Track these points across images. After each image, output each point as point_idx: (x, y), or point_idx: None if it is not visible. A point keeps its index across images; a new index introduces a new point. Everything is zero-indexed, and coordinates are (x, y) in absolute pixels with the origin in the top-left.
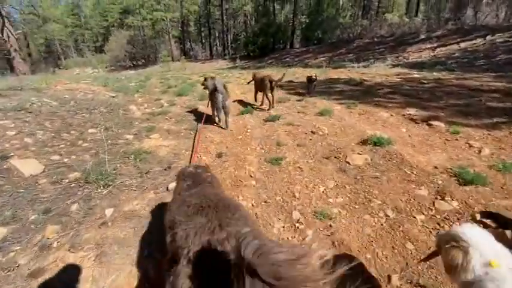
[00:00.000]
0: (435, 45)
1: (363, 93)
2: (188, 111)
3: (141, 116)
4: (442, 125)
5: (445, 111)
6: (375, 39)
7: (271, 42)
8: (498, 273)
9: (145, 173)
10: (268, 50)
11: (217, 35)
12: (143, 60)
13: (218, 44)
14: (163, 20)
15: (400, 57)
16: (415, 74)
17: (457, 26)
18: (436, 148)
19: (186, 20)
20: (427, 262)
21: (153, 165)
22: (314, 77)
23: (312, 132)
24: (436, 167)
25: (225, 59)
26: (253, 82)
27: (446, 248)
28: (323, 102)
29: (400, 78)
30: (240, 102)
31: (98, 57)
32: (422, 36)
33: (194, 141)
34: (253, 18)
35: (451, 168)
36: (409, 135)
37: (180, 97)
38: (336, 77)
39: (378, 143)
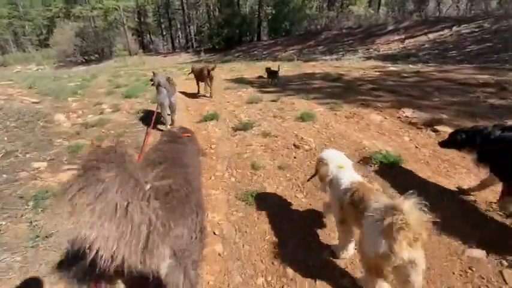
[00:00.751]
0: (403, 36)
1: (344, 90)
2: (135, 120)
3: (69, 129)
4: (450, 130)
5: (446, 112)
6: (343, 31)
7: (237, 34)
8: (343, 170)
9: (45, 238)
10: (235, 43)
11: (178, 26)
12: (97, 55)
13: (181, 36)
14: (116, 9)
15: (370, 50)
16: (391, 67)
17: (421, 17)
18: (458, 167)
19: (142, 11)
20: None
21: (62, 219)
22: (276, 70)
23: (295, 146)
24: (475, 201)
25: (189, 52)
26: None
27: (319, 167)
28: (302, 103)
29: (378, 71)
30: (203, 102)
31: (43, 52)
32: (390, 28)
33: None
34: (217, 9)
35: (495, 202)
36: (416, 146)
37: (128, 99)
38: (310, 71)
39: (385, 162)
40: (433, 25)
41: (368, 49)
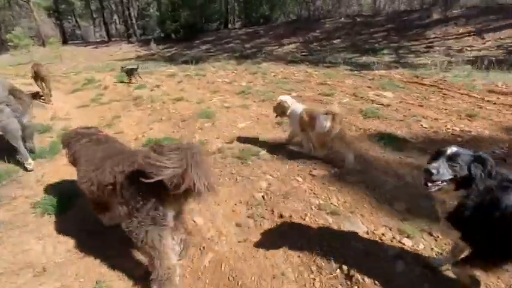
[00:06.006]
0: (474, 29)
1: None
2: None
3: None
4: None
5: None
6: (357, 19)
7: (200, 19)
8: (295, 108)
9: None
10: (198, 31)
11: (114, 8)
12: None
13: (118, 22)
14: None
15: (436, 48)
16: None
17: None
18: None
19: None
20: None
21: None
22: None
23: None
24: None
25: (132, 43)
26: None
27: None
28: None
29: None
30: None
31: None
32: (437, 16)
33: None
34: None
35: None
36: None
37: None
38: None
39: None
40: None
41: (428, 46)
